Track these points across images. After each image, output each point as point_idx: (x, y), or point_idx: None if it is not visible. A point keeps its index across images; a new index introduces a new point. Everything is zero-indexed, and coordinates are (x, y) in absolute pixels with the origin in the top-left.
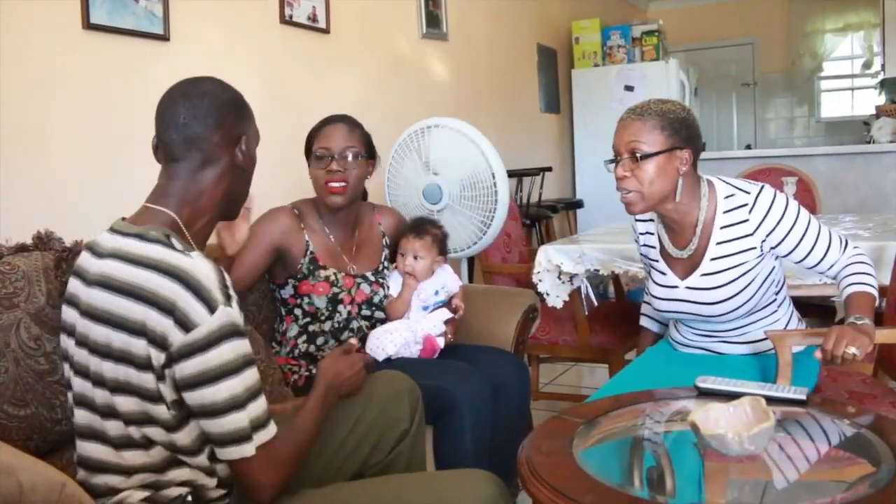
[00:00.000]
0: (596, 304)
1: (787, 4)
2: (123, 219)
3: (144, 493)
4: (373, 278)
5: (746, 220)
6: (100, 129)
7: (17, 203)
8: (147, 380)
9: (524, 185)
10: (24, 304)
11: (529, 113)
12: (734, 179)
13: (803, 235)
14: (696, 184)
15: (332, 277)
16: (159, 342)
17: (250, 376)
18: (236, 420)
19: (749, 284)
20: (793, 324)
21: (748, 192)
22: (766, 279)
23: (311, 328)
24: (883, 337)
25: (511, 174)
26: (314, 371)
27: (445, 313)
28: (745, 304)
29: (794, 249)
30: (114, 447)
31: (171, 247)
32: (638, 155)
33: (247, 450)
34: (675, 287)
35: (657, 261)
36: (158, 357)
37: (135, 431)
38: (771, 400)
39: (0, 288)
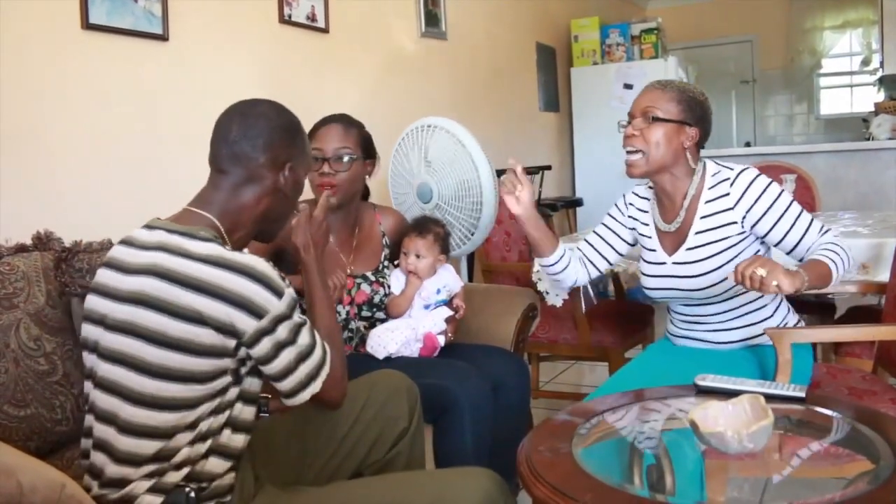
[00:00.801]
0: (595, 302)
1: (786, 2)
2: (158, 219)
3: (149, 482)
4: (373, 278)
5: (728, 194)
6: (99, 129)
7: (16, 203)
8: (204, 364)
9: None
10: (24, 304)
11: (529, 111)
12: (724, 161)
13: (782, 215)
14: (695, 163)
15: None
16: (228, 331)
17: (307, 325)
18: (305, 370)
19: (732, 260)
20: (781, 312)
21: (732, 169)
22: None
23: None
24: (882, 334)
25: None
26: None
27: (446, 311)
28: (726, 279)
29: (772, 228)
30: (135, 435)
31: (222, 245)
32: (651, 116)
33: (314, 388)
34: (664, 264)
35: (649, 237)
36: (228, 342)
37: (167, 417)
38: (770, 397)
39: (0, 288)
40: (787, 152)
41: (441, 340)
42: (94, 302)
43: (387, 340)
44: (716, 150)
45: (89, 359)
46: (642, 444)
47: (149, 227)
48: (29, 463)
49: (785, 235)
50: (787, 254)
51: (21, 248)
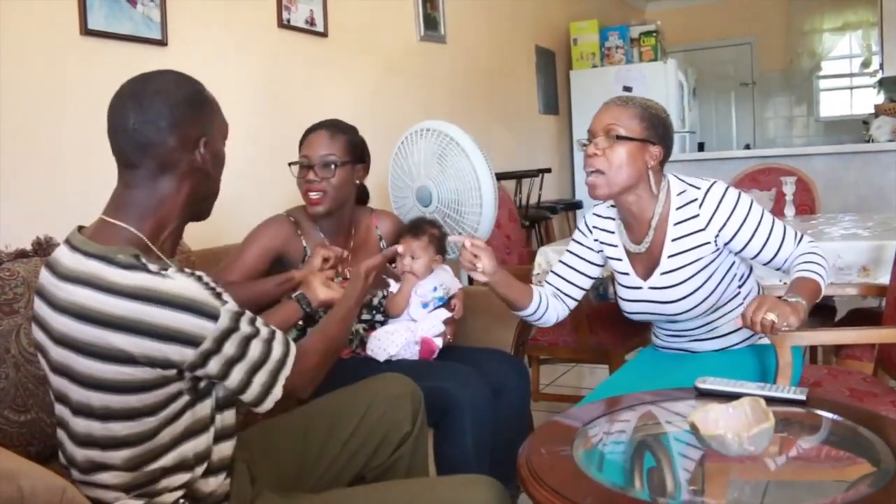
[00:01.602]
0: (595, 304)
1: (786, 4)
2: (80, 228)
3: (139, 502)
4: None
5: (697, 216)
6: (98, 135)
7: (16, 209)
8: (147, 399)
9: (523, 187)
10: (24, 309)
11: (528, 114)
12: (687, 177)
13: (756, 229)
14: (658, 182)
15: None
16: (162, 364)
17: (262, 333)
18: (259, 380)
19: (708, 280)
20: None
21: (698, 188)
22: (725, 274)
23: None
24: (882, 337)
25: (510, 175)
26: None
27: (444, 313)
28: (705, 299)
29: (747, 244)
30: (84, 472)
31: (147, 270)
32: (614, 135)
33: (276, 393)
34: (639, 288)
35: (620, 260)
36: (167, 372)
37: (122, 454)
38: (771, 400)
39: (0, 294)
40: (787, 154)
41: (439, 343)
42: (35, 333)
43: (387, 343)
44: (716, 153)
45: (50, 393)
46: (643, 446)
47: (70, 244)
48: (30, 468)
49: (761, 249)
50: (765, 265)
51: (21, 254)
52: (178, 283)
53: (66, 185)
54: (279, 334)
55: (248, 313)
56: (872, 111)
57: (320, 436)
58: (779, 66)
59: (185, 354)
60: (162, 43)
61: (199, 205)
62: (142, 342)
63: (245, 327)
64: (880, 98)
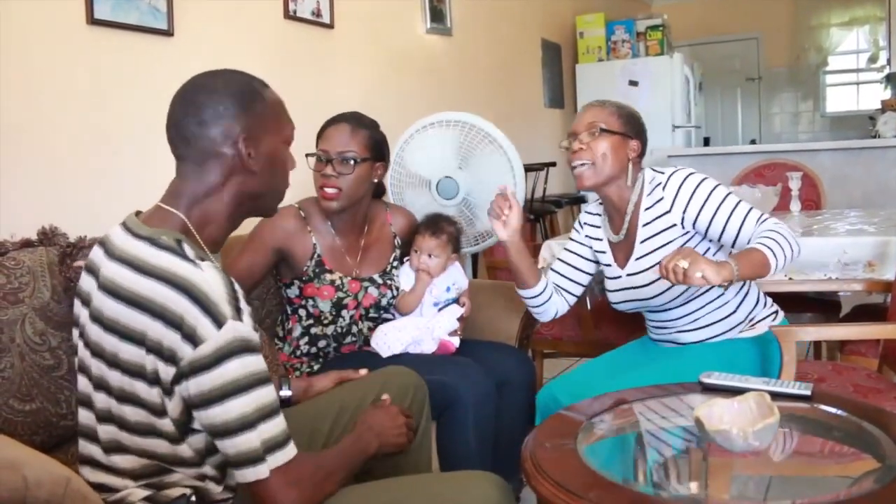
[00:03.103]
0: (599, 298)
1: None
2: (138, 213)
3: (146, 493)
4: (380, 280)
5: (662, 198)
6: (104, 125)
7: (21, 198)
8: (154, 394)
9: (528, 180)
10: (30, 299)
11: (533, 108)
12: (661, 167)
13: (718, 207)
14: (636, 174)
15: (339, 282)
16: (167, 356)
17: (264, 395)
18: (247, 440)
19: None
20: (746, 306)
21: (663, 173)
22: None
23: (313, 330)
24: (887, 333)
25: None
26: (316, 367)
27: (458, 310)
28: (675, 284)
29: (711, 221)
30: (104, 450)
31: (182, 255)
32: (596, 130)
33: (261, 471)
34: (619, 277)
35: (604, 252)
36: (168, 371)
37: (136, 440)
38: (775, 395)
39: (5, 283)
40: (793, 150)
41: (456, 342)
42: (77, 308)
43: (392, 340)
44: (721, 148)
45: (77, 365)
46: (647, 441)
47: (125, 227)
48: (34, 457)
49: (724, 228)
50: (732, 247)
51: (26, 244)
52: (204, 275)
53: (71, 175)
54: (279, 419)
55: (263, 363)
56: (879, 107)
57: (325, 430)
58: (785, 61)
59: (184, 351)
60: (168, 33)
61: (251, 201)
62: (153, 323)
63: (253, 368)
64: (887, 93)
